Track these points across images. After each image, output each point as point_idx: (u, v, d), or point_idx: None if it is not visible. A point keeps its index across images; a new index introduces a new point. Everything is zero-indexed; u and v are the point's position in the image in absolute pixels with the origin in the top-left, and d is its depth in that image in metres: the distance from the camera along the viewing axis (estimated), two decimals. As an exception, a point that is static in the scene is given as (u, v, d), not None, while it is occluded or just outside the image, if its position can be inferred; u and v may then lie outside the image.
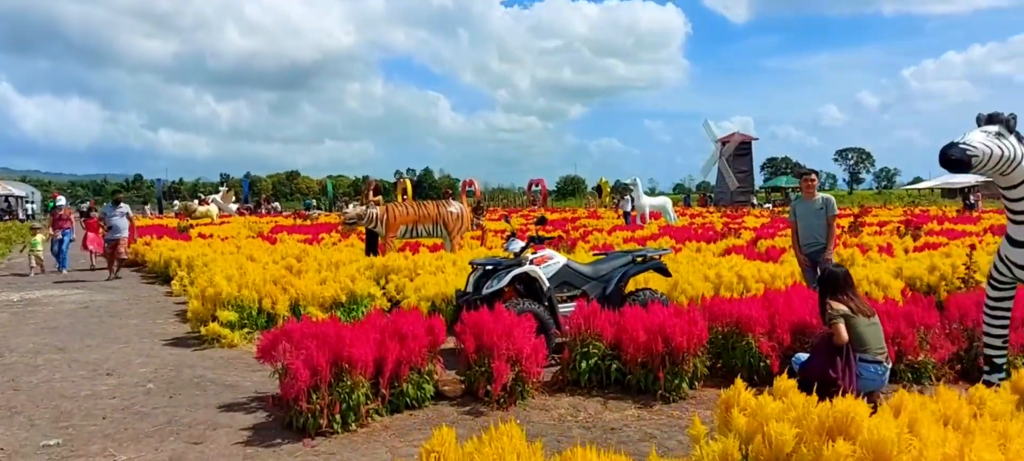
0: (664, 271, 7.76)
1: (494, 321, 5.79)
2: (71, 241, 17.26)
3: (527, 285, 7.14)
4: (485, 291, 6.98)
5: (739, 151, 59.38)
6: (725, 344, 6.17)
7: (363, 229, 14.45)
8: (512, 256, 7.31)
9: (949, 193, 75.91)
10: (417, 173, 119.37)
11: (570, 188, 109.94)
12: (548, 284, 7.03)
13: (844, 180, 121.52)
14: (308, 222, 31.08)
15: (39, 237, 16.71)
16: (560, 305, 7.05)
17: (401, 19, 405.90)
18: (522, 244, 7.30)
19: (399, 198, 64.80)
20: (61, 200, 17.57)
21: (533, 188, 64.64)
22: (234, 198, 40.73)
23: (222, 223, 28.85)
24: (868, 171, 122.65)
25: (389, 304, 9.94)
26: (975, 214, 28.70)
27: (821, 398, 3.52)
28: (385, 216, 13.25)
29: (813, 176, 8.58)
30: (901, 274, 9.38)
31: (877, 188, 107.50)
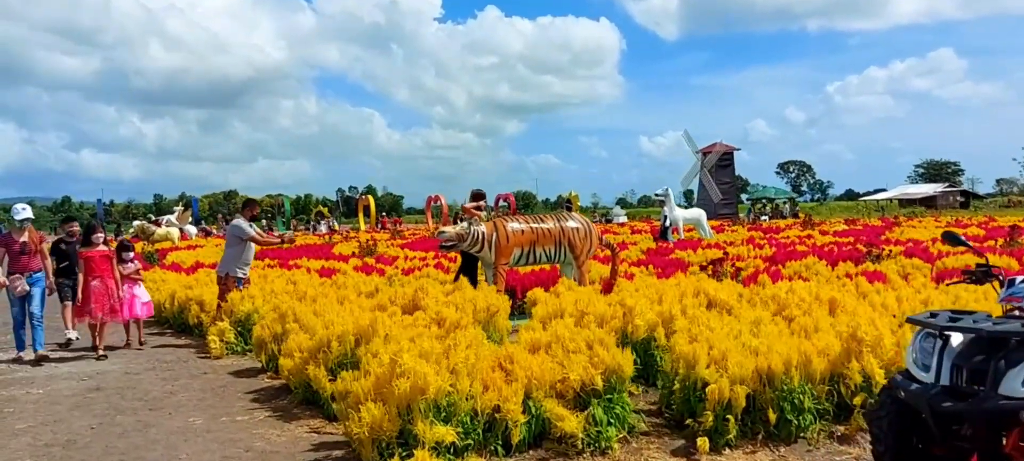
0: None
1: None
2: (48, 293, 8.95)
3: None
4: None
5: (722, 162, 56.39)
6: None
7: (458, 253, 10.79)
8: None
9: (906, 203, 75.90)
10: (359, 191, 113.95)
11: (523, 203, 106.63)
12: None
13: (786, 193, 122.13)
14: (285, 245, 26.82)
15: None
16: None
17: (333, 35, 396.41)
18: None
19: (360, 218, 59.86)
20: (24, 212, 8.69)
21: (501, 203, 60.97)
22: (189, 219, 35.74)
23: (190, 248, 24.25)
24: (808, 184, 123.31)
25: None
26: None
27: None
28: (495, 236, 9.54)
29: None
30: None
31: (812, 200, 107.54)
